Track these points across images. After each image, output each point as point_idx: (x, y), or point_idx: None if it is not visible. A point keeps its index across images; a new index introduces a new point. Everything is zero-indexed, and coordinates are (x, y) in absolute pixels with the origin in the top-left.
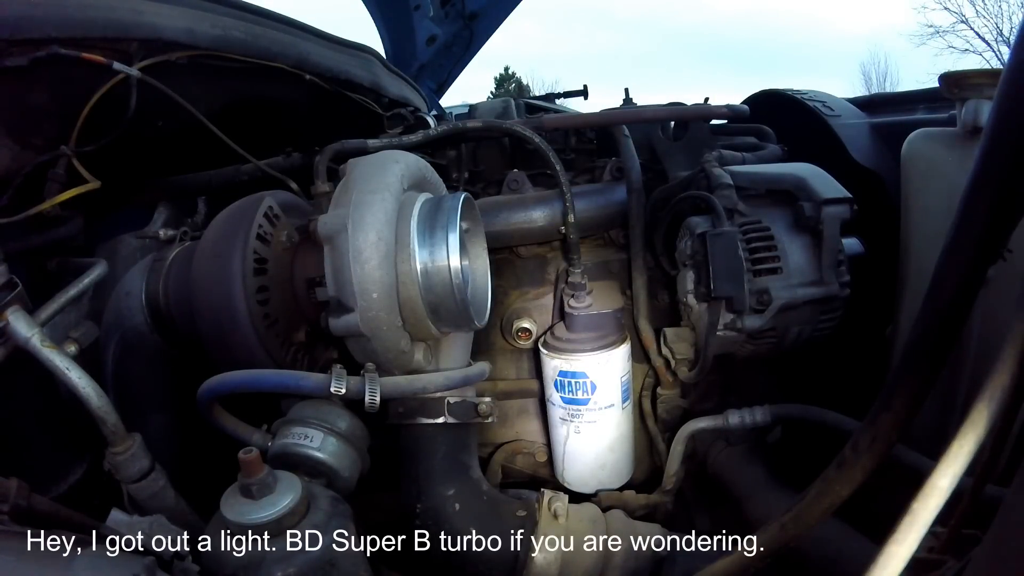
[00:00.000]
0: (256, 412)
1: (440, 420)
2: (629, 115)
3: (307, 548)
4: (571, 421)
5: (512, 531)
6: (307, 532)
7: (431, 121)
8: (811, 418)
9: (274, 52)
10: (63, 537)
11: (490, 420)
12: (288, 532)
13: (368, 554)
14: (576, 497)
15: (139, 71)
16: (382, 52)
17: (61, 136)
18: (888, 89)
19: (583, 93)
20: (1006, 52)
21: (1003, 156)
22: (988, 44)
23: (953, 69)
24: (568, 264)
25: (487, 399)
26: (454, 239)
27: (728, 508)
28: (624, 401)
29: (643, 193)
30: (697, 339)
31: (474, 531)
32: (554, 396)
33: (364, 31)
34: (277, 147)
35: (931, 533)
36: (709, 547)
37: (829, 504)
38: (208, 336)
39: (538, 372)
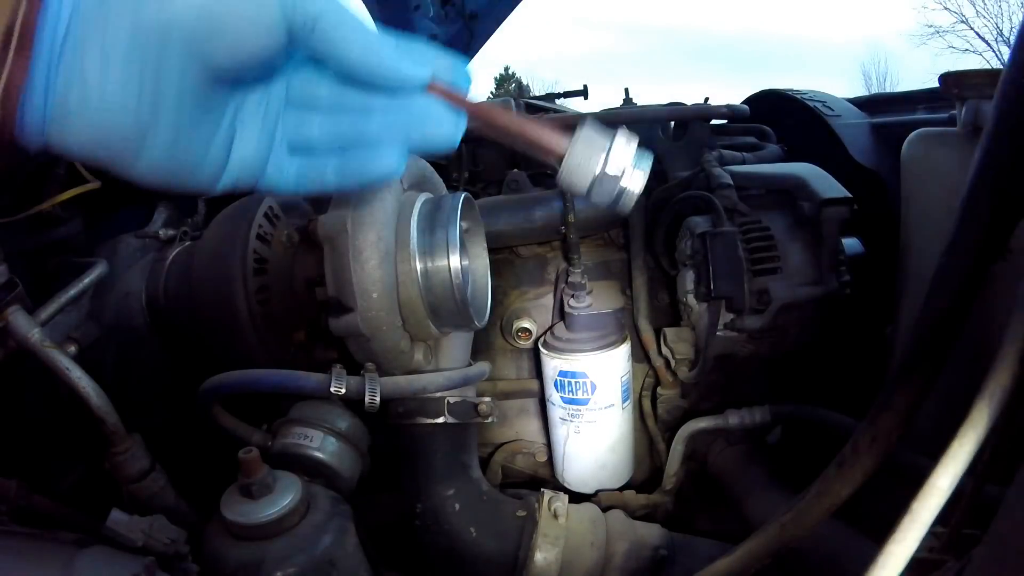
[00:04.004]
0: (256, 412)
1: (440, 420)
2: (629, 115)
3: (307, 548)
4: (571, 421)
5: (512, 531)
6: (307, 532)
7: None
8: (811, 418)
9: None
10: (63, 537)
11: (490, 420)
12: (288, 532)
13: (368, 554)
14: (576, 497)
15: None
16: None
17: None
18: (888, 89)
19: (583, 93)
20: (1006, 52)
21: (1003, 156)
22: (988, 44)
23: (953, 69)
24: (568, 264)
25: (487, 399)
26: (454, 239)
27: (728, 508)
28: (624, 401)
29: (643, 193)
30: (697, 339)
31: (474, 531)
32: (554, 396)
33: None
34: None
35: (931, 533)
36: (709, 547)
37: (829, 504)
38: (208, 336)
39: (538, 372)
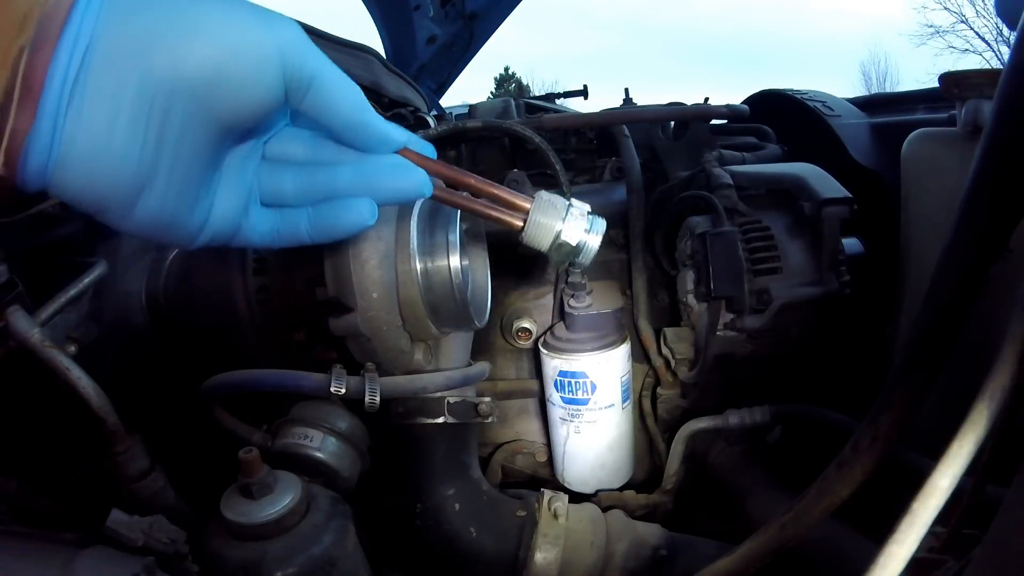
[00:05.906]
0: (256, 412)
1: (440, 420)
2: (629, 115)
3: (307, 548)
4: (571, 421)
5: (512, 531)
6: (307, 532)
7: (431, 121)
8: (812, 418)
9: None
10: (63, 537)
11: (490, 420)
12: (288, 532)
13: (368, 554)
14: (576, 497)
15: None
16: (382, 52)
17: None
18: (888, 89)
19: (583, 93)
20: (1006, 52)
21: (1003, 156)
22: (988, 44)
23: (953, 69)
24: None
25: (487, 399)
26: (454, 239)
27: (728, 508)
28: (624, 401)
29: (643, 193)
30: (697, 339)
31: (474, 531)
32: (554, 396)
33: (364, 31)
34: None
35: (931, 533)
36: (709, 547)
37: (829, 504)
38: (208, 336)
39: (538, 372)
